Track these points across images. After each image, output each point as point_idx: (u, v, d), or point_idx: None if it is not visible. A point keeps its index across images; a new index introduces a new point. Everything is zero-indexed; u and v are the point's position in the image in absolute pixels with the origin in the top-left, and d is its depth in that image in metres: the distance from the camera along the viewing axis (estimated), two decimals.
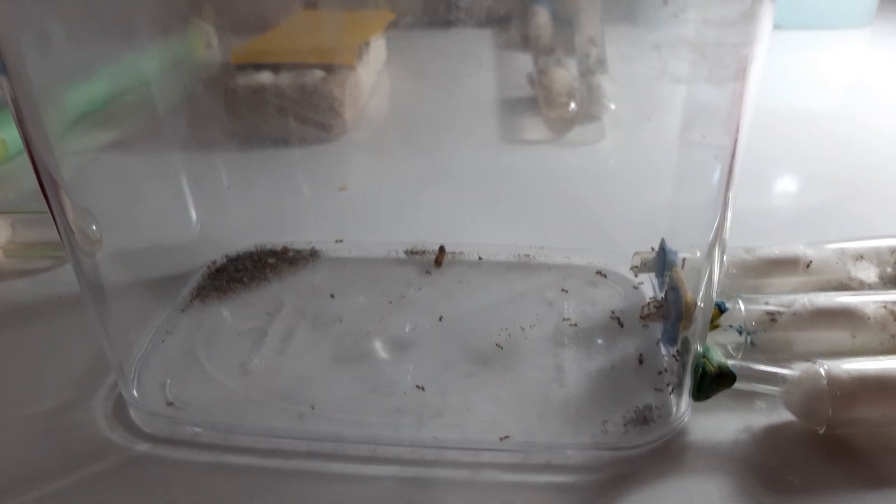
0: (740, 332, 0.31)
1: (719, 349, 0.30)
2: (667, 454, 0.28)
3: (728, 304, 0.31)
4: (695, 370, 0.28)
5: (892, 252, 0.35)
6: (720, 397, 0.29)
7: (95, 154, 0.33)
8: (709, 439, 0.28)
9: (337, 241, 0.40)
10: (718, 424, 0.29)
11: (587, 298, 0.35)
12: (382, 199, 0.44)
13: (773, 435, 0.28)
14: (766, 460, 0.27)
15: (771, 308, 0.31)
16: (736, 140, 0.24)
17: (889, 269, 0.35)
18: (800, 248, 0.34)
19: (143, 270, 0.35)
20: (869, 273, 0.34)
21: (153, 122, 0.35)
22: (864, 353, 0.30)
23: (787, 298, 0.31)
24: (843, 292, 0.32)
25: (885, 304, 0.31)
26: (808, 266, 0.34)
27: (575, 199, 0.41)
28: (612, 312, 0.34)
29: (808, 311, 0.30)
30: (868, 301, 0.31)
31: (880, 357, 0.28)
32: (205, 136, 0.40)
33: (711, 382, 0.28)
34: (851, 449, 0.28)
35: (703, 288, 0.27)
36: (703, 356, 0.28)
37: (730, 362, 0.28)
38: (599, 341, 0.33)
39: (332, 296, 0.36)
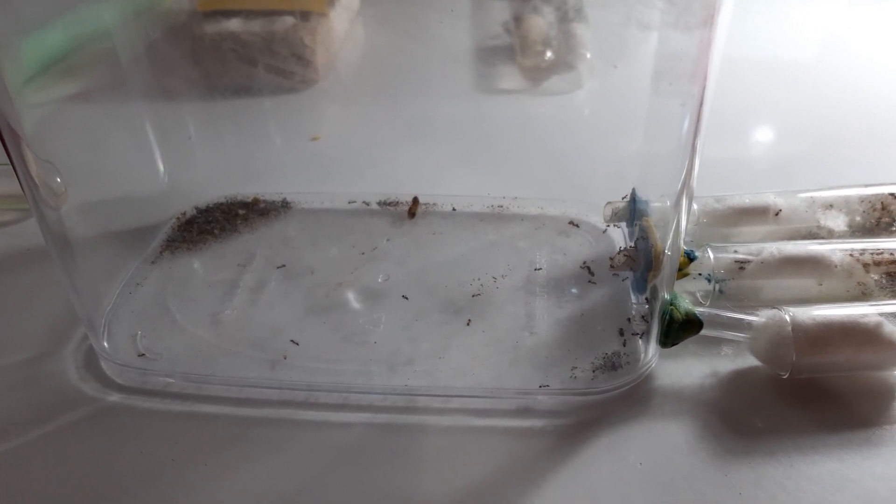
0: (709, 280, 0.31)
1: (688, 297, 0.30)
2: (634, 399, 0.28)
3: (697, 253, 0.31)
4: (662, 317, 0.28)
5: (862, 201, 0.35)
6: (688, 343, 0.29)
7: (58, 106, 0.32)
8: (675, 384, 0.29)
9: (308, 193, 0.39)
10: (685, 370, 0.29)
11: (559, 248, 0.35)
12: (355, 149, 0.44)
13: (738, 380, 0.29)
14: (730, 404, 0.28)
15: (739, 256, 0.31)
16: (703, 88, 0.24)
17: (858, 218, 0.35)
18: (770, 198, 0.34)
19: (110, 223, 0.34)
20: (838, 221, 0.35)
21: (117, 72, 0.34)
22: (830, 300, 0.30)
23: (755, 247, 0.31)
24: (812, 241, 0.33)
25: (851, 252, 0.31)
26: (777, 215, 0.34)
27: (549, 148, 0.40)
28: (584, 262, 0.34)
29: (776, 260, 0.31)
30: (835, 249, 0.31)
31: (845, 304, 0.29)
32: (171, 86, 0.39)
33: (678, 329, 0.28)
34: (814, 393, 0.28)
35: (670, 236, 0.27)
36: (671, 304, 0.28)
37: (697, 310, 0.28)
38: (570, 290, 0.33)
39: (304, 247, 0.36)
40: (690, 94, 0.24)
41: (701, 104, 0.24)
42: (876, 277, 0.31)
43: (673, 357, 0.30)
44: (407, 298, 0.33)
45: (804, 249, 0.31)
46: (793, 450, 0.26)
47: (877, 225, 0.35)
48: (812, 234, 0.34)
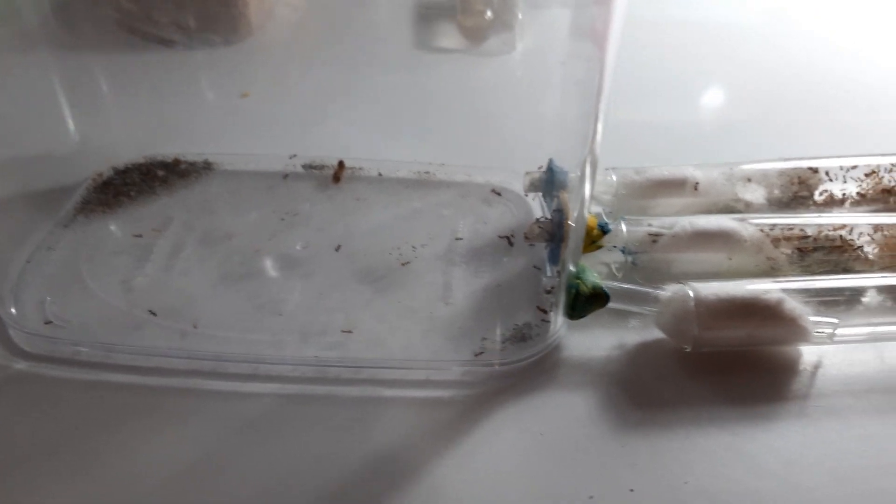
0: (624, 253, 0.32)
1: (603, 268, 0.31)
2: (541, 370, 0.29)
3: (612, 225, 0.32)
4: (568, 290, 0.28)
5: (780, 175, 0.36)
6: (598, 315, 0.30)
7: None
8: (583, 356, 0.29)
9: (232, 154, 0.39)
10: (593, 341, 0.30)
11: (481, 216, 0.35)
12: (285, 108, 0.42)
13: (643, 352, 0.30)
14: (634, 376, 0.29)
15: (652, 229, 0.31)
16: (605, 51, 0.23)
17: (776, 192, 0.36)
18: (688, 170, 0.35)
19: (18, 184, 0.33)
20: (756, 195, 0.35)
21: (20, 21, 0.33)
22: (740, 275, 0.31)
23: (669, 220, 0.32)
24: (727, 215, 0.33)
25: (762, 228, 0.32)
26: (695, 187, 0.34)
27: (480, 112, 0.40)
28: (503, 232, 0.34)
29: (687, 234, 0.31)
30: (747, 224, 0.32)
31: (751, 279, 0.29)
32: (85, 37, 0.37)
33: (585, 302, 0.28)
34: (716, 367, 0.29)
35: (574, 207, 0.27)
36: (577, 277, 0.28)
37: (605, 283, 0.29)
38: (488, 260, 0.33)
39: (224, 211, 0.35)
40: (593, 56, 0.24)
41: (603, 68, 0.24)
42: (787, 252, 0.32)
43: (582, 329, 0.30)
44: (324, 267, 0.32)
45: (715, 224, 0.31)
46: (691, 422, 0.27)
47: (794, 199, 0.35)
48: (730, 208, 0.35)
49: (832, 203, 0.36)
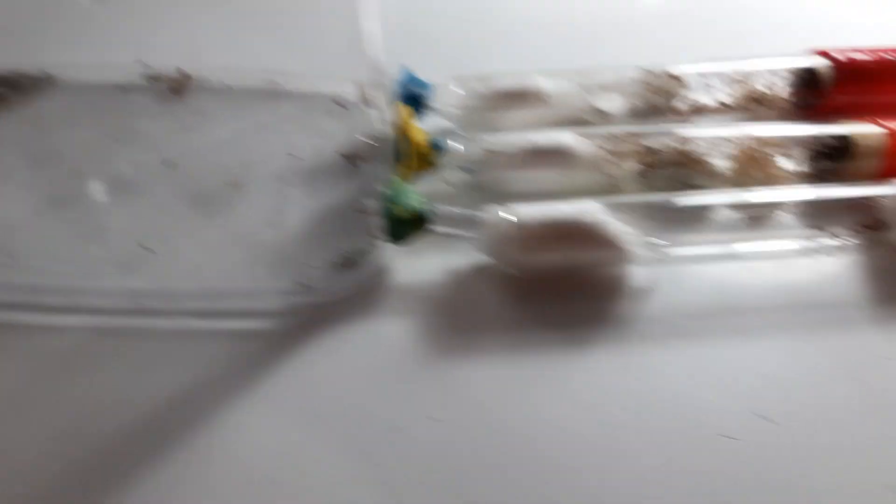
0: (463, 171, 0.31)
1: (444, 189, 0.30)
2: (365, 298, 0.28)
3: (447, 142, 0.30)
4: (387, 214, 0.27)
5: (639, 83, 0.34)
6: (432, 240, 0.29)
7: None
8: (410, 282, 0.29)
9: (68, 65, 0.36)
10: (422, 267, 0.29)
11: (325, 132, 0.34)
12: (131, 12, 0.40)
13: (472, 277, 0.29)
14: (460, 302, 0.28)
15: (489, 147, 0.30)
16: None
17: (637, 101, 0.34)
18: (537, 80, 0.33)
19: None
20: (613, 105, 0.34)
21: None
22: (579, 193, 0.30)
23: (507, 136, 0.31)
24: (573, 129, 0.32)
25: (601, 144, 0.31)
26: (545, 98, 0.33)
27: (337, 11, 0.37)
28: (344, 149, 0.33)
29: (524, 151, 0.30)
30: (586, 140, 0.31)
31: (577, 200, 0.28)
32: None
33: (404, 226, 0.28)
34: (541, 291, 0.29)
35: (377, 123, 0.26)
36: (393, 200, 0.27)
37: (427, 206, 0.28)
38: (327, 180, 0.32)
39: (55, 129, 0.34)
40: None
41: None
42: (633, 168, 0.31)
43: (411, 254, 0.29)
44: (153, 190, 0.31)
45: (551, 141, 0.30)
46: (508, 348, 0.27)
47: (654, 110, 0.34)
48: (584, 121, 0.34)
49: (696, 112, 0.35)
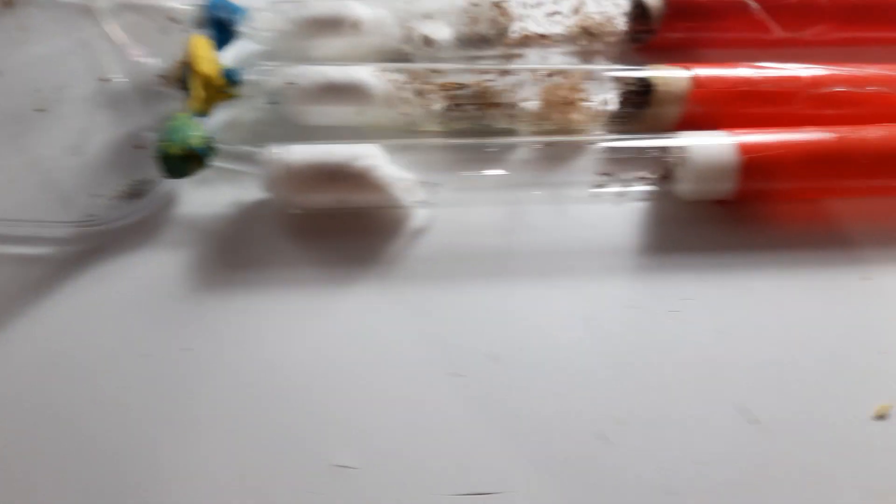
0: (268, 103, 0.30)
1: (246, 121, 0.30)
2: (149, 228, 0.29)
3: (244, 74, 0.30)
4: (159, 150, 0.28)
5: (464, 11, 0.33)
6: (220, 174, 0.29)
7: None
8: (194, 214, 0.29)
9: None
10: (211, 199, 0.30)
11: (151, 49, 0.33)
12: None
13: (252, 213, 0.29)
14: (238, 236, 0.29)
15: (285, 78, 0.30)
16: None
17: (464, 28, 0.33)
18: (352, 6, 0.32)
19: None
20: (440, 34, 0.33)
21: None
22: (375, 130, 0.30)
23: (307, 68, 0.30)
24: (385, 62, 0.31)
25: (404, 82, 0.30)
26: (358, 26, 0.32)
27: None
28: (162, 73, 0.33)
29: (318, 85, 0.30)
30: (385, 76, 0.30)
31: (362, 141, 0.28)
32: None
33: (176, 162, 0.28)
34: (323, 229, 0.29)
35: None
36: (167, 136, 0.27)
37: (213, 141, 0.28)
38: (139, 104, 0.32)
39: None
40: None
41: None
42: (433, 106, 0.30)
43: (202, 186, 0.30)
44: None
45: (345, 75, 0.30)
46: (276, 284, 0.28)
47: (481, 39, 0.33)
48: (404, 52, 0.33)
49: (525, 44, 0.34)
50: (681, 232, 0.29)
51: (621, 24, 0.33)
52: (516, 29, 0.34)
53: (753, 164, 0.27)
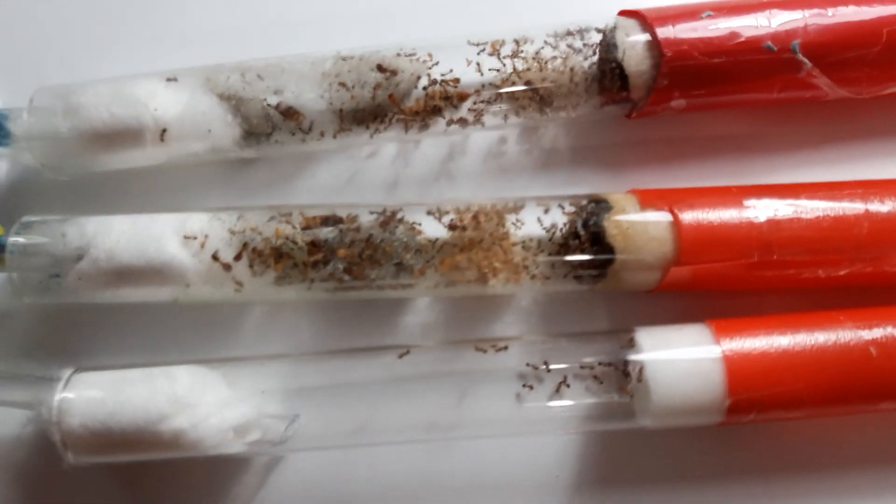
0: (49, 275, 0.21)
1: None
2: None
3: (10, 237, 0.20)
4: None
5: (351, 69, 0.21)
6: None
7: None
8: None
9: None
10: None
11: None
12: None
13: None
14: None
15: (75, 244, 0.20)
16: None
17: (338, 98, 0.22)
18: (147, 110, 0.20)
19: None
20: (306, 96, 0.21)
21: None
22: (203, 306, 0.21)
23: (86, 242, 0.20)
24: (189, 214, 0.20)
25: (216, 253, 0.20)
26: (163, 135, 0.21)
27: None
28: None
29: (104, 270, 0.20)
30: (196, 245, 0.20)
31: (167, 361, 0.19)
32: None
33: None
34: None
35: None
36: None
37: None
38: None
39: None
40: None
41: None
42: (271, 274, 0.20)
43: None
44: None
45: (142, 256, 0.19)
46: None
47: (373, 110, 0.22)
48: (256, 135, 0.22)
49: (435, 111, 0.22)
50: (640, 459, 0.21)
51: (587, 79, 0.21)
52: (416, 87, 0.22)
53: (745, 402, 0.18)
